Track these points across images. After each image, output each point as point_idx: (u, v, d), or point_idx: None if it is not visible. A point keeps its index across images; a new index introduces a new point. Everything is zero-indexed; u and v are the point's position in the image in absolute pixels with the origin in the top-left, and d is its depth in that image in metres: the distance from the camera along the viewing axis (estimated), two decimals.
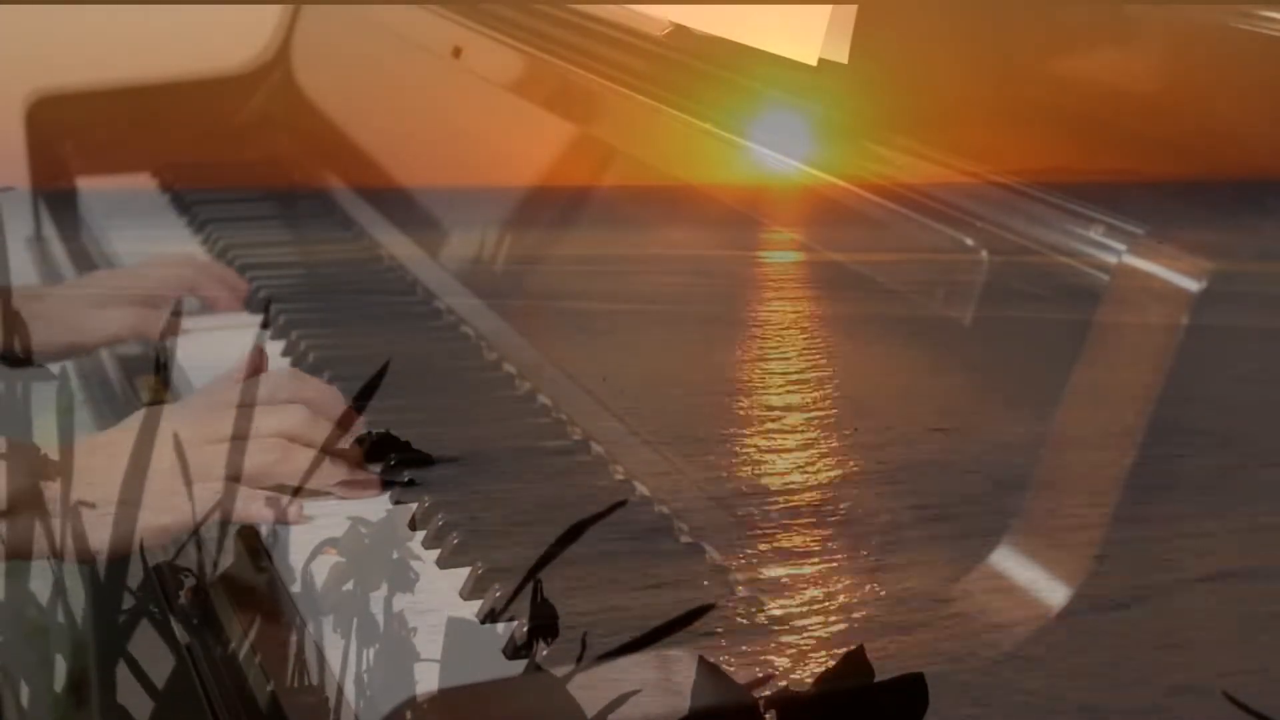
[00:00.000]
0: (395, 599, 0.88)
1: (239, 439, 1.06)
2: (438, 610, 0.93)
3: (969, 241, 0.91)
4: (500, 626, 0.92)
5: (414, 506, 1.08)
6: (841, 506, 0.99)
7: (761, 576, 0.97)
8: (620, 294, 1.27)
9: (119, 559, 0.99)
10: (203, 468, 1.04)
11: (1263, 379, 0.87)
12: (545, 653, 0.85)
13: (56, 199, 1.80)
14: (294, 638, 0.92)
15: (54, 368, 1.25)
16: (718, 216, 1.17)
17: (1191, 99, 1.01)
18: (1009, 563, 0.84)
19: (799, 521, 0.99)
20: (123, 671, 1.02)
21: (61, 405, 1.04)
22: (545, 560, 0.85)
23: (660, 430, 1.14)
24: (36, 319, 1.23)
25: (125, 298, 1.42)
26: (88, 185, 1.85)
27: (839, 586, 0.93)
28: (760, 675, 0.82)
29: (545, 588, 0.86)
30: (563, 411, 1.23)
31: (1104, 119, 1.01)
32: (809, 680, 0.80)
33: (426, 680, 0.84)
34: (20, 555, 0.97)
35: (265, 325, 1.38)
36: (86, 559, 1.00)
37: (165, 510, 1.03)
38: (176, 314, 1.34)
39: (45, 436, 1.05)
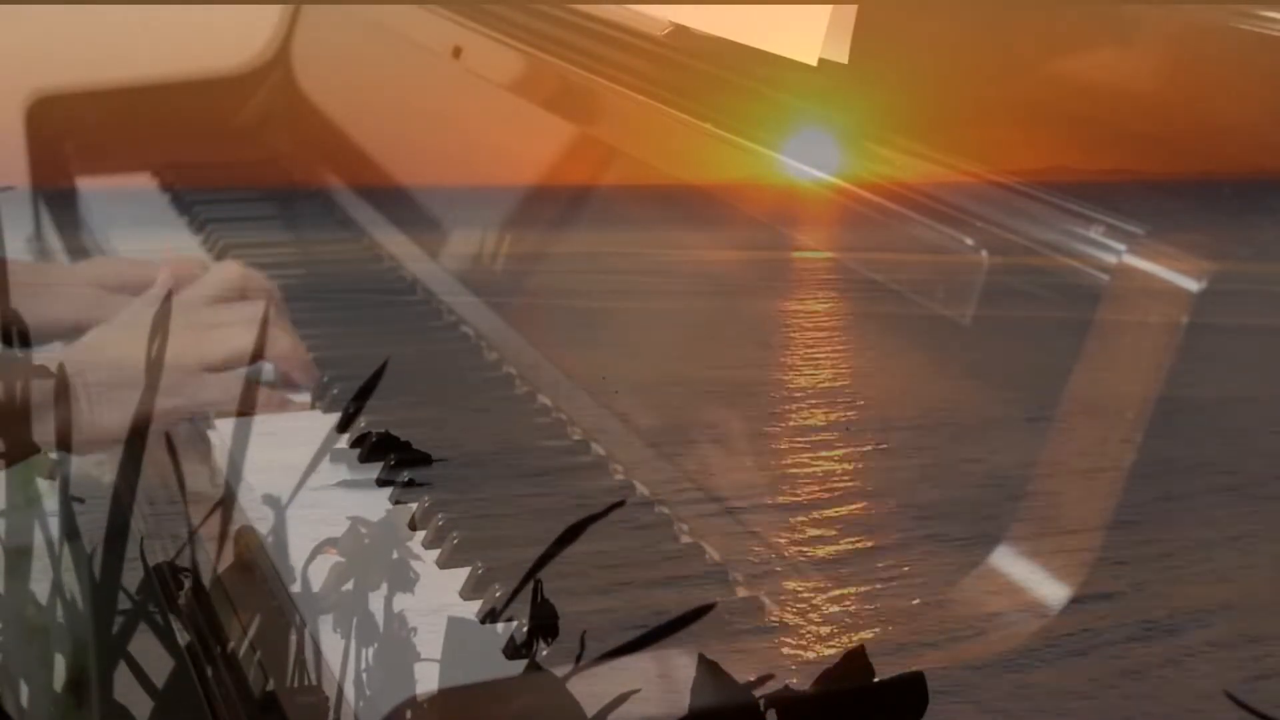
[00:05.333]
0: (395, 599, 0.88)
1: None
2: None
3: (969, 241, 0.91)
4: (500, 626, 0.92)
5: (414, 506, 1.08)
6: (841, 504, 0.99)
7: (760, 575, 0.97)
8: (620, 293, 1.27)
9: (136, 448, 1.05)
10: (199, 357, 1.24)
11: (1264, 378, 0.87)
12: (545, 653, 0.85)
13: (56, 199, 1.80)
14: (294, 638, 0.91)
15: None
16: (717, 216, 1.17)
17: (1191, 98, 1.01)
18: (1009, 562, 0.84)
19: (798, 519, 0.99)
20: (123, 671, 1.02)
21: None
22: (544, 560, 0.85)
23: (660, 429, 1.14)
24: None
25: (128, 290, 1.41)
26: (88, 185, 1.85)
27: (841, 584, 0.93)
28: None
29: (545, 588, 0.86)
30: (563, 411, 1.23)
31: (1104, 119, 1.01)
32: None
33: (426, 680, 0.84)
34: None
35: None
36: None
37: (175, 394, 1.21)
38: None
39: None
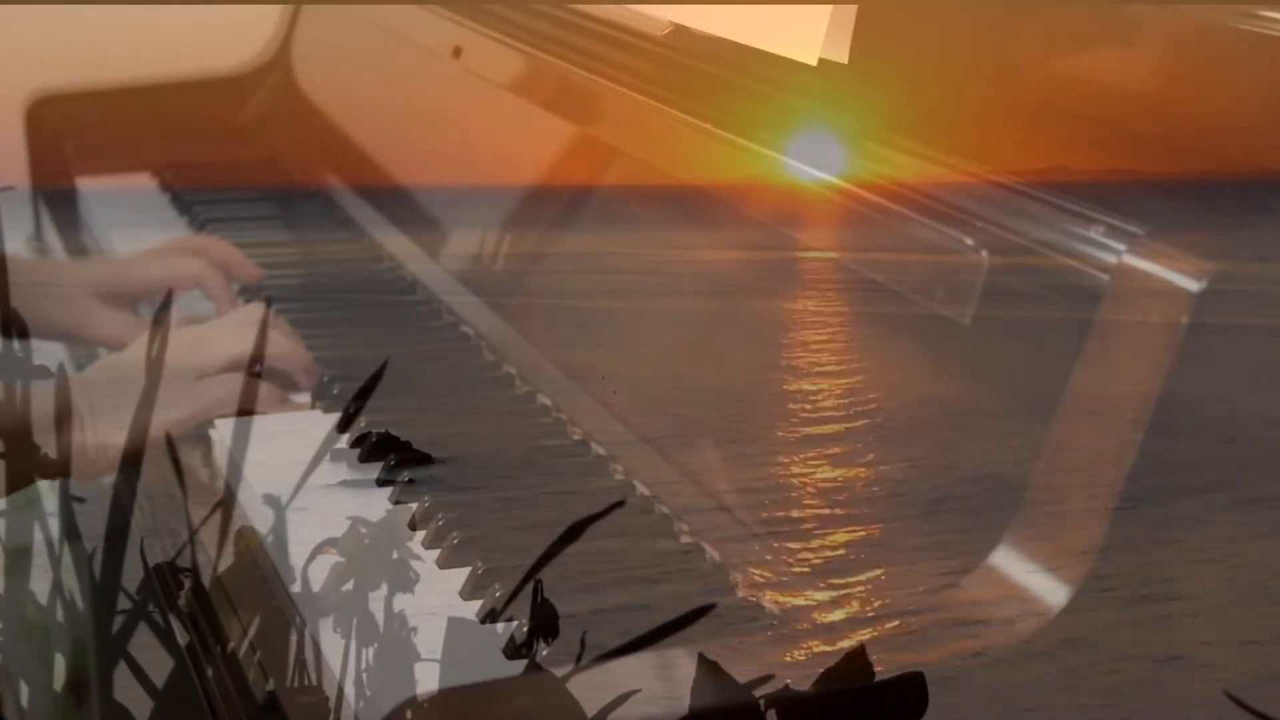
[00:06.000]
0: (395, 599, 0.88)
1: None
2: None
3: (969, 241, 0.91)
4: (500, 626, 0.92)
5: (414, 506, 1.08)
6: (840, 504, 0.99)
7: (758, 578, 0.97)
8: (620, 293, 1.27)
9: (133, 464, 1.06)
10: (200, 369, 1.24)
11: (1263, 378, 0.87)
12: (545, 652, 0.85)
13: (56, 199, 1.80)
14: (294, 638, 0.91)
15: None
16: (717, 216, 1.17)
17: (1191, 99, 1.01)
18: (1009, 562, 0.84)
19: (798, 518, 0.99)
20: (123, 671, 1.02)
21: None
22: (544, 560, 0.85)
23: (660, 429, 1.14)
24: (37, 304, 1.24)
25: (125, 294, 1.42)
26: (88, 185, 1.85)
27: (840, 583, 0.93)
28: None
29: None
30: (563, 411, 1.23)
31: (1104, 119, 1.01)
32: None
33: (426, 680, 0.84)
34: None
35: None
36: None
37: (174, 405, 1.19)
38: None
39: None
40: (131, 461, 1.04)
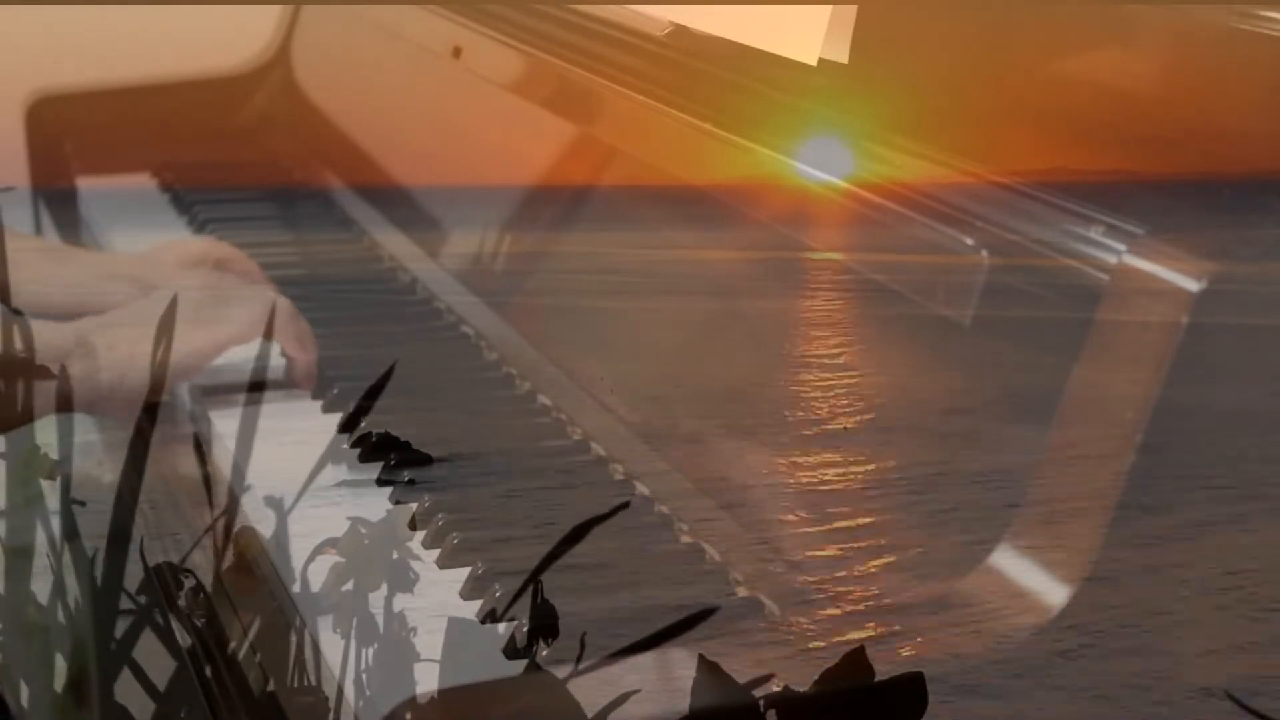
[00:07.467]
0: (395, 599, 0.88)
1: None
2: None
3: (969, 241, 0.91)
4: (500, 626, 0.92)
5: (414, 506, 1.08)
6: (840, 504, 0.99)
7: (760, 575, 0.97)
8: (620, 293, 1.27)
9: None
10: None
11: (1263, 379, 0.87)
12: (545, 653, 0.85)
13: (56, 199, 1.80)
14: (294, 638, 0.91)
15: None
16: (717, 216, 1.17)
17: (1192, 99, 1.01)
18: (1009, 562, 0.84)
19: (798, 518, 0.99)
20: (122, 671, 1.02)
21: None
22: (548, 561, 0.85)
23: (660, 429, 1.14)
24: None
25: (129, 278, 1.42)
26: (88, 185, 1.85)
27: (841, 583, 0.93)
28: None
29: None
30: (563, 411, 1.23)
31: (1104, 119, 1.01)
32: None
33: (426, 680, 0.84)
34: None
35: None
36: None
37: (198, 333, 1.21)
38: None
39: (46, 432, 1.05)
40: (134, 445, 1.04)
